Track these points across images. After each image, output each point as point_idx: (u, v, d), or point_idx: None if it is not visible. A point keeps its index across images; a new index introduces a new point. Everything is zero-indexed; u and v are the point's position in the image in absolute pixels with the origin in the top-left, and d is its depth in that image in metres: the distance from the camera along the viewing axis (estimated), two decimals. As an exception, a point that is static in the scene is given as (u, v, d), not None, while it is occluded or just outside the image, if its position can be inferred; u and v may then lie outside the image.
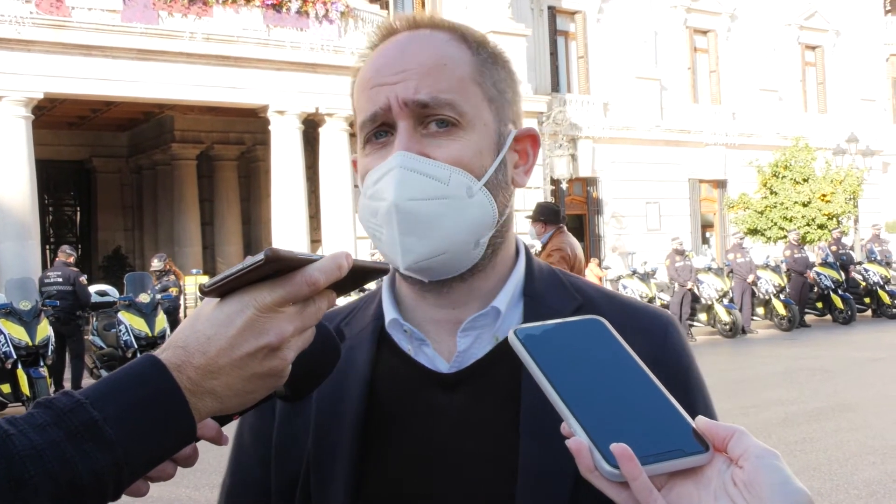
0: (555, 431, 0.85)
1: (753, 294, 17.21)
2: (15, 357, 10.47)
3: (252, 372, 0.78)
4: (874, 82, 30.85)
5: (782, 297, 17.25)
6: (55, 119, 23.03)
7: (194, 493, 6.32)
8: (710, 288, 16.46)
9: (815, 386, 10.54)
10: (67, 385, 11.70)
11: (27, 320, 10.79)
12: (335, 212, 18.16)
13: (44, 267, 15.09)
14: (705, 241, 26.79)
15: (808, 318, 17.96)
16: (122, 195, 28.02)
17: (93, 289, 13.98)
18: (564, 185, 22.63)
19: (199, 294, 0.81)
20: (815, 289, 18.05)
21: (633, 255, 22.98)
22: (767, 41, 27.86)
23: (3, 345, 10.49)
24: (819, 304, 18.23)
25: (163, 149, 25.23)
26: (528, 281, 1.09)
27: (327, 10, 17.83)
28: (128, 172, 27.77)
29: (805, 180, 23.48)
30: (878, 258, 19.00)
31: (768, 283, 17.17)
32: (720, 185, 27.03)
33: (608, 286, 17.43)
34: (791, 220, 23.06)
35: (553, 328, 0.79)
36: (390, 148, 1.01)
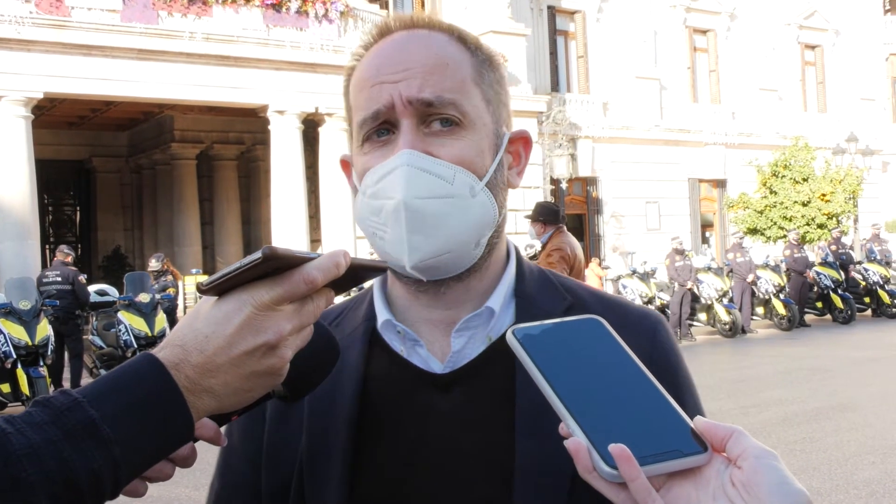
0: (550, 430, 0.84)
1: (753, 294, 17.21)
2: (14, 357, 10.47)
3: (250, 370, 0.78)
4: (874, 82, 30.85)
5: (782, 296, 17.25)
6: (55, 119, 23.04)
7: (193, 492, 6.32)
8: (709, 288, 16.45)
9: (815, 386, 10.54)
10: (67, 385, 11.71)
11: (27, 320, 10.79)
12: (335, 212, 18.16)
13: (43, 266, 15.09)
14: (705, 240, 26.79)
15: (808, 317, 17.97)
16: (122, 195, 28.03)
17: (92, 288, 13.99)
18: (564, 185, 22.64)
19: (197, 293, 0.80)
20: (815, 288, 18.06)
21: (633, 254, 22.99)
22: (767, 41, 27.87)
23: (2, 344, 10.50)
24: (819, 304, 18.23)
25: (162, 148, 25.24)
26: (520, 281, 1.10)
27: (327, 10, 17.83)
28: (127, 172, 27.78)
29: (805, 180, 23.48)
30: (878, 258, 19.00)
31: (768, 282, 17.17)
32: (720, 184, 27.03)
33: (608, 286, 17.45)
34: (791, 220, 23.06)
35: (551, 328, 0.78)
36: (391, 146, 1.01)
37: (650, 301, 15.96)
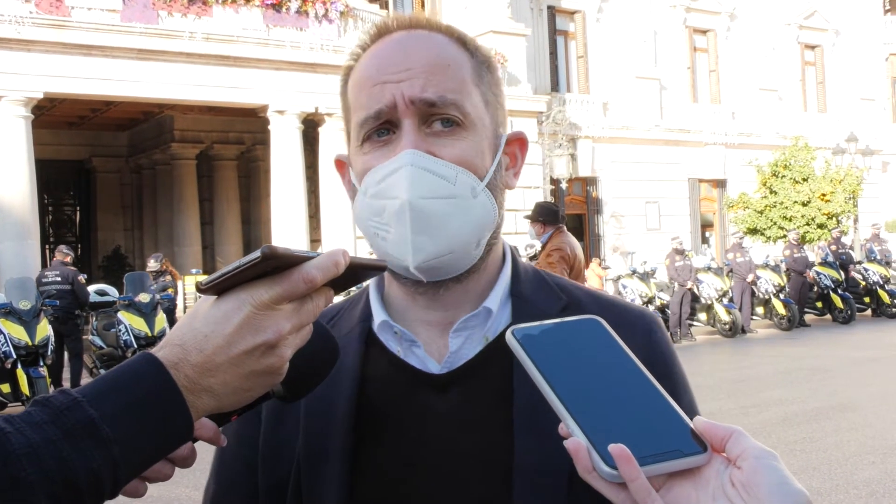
0: (549, 429, 0.84)
1: (753, 294, 17.22)
2: (14, 357, 10.47)
3: (249, 369, 0.78)
4: (874, 82, 30.86)
5: (782, 296, 17.26)
6: (55, 119, 23.04)
7: (193, 492, 6.31)
8: (709, 287, 16.46)
9: (815, 386, 10.54)
10: (67, 385, 11.71)
11: (27, 320, 10.79)
12: (335, 212, 18.16)
13: (43, 266, 15.09)
14: (705, 240, 26.78)
15: (808, 317, 17.97)
16: (122, 195, 28.04)
17: (92, 288, 13.99)
18: (564, 185, 22.64)
19: (196, 293, 0.80)
20: (815, 288, 18.06)
21: (633, 254, 22.98)
22: (767, 41, 27.87)
23: (2, 344, 10.50)
24: (819, 304, 18.23)
25: (162, 148, 25.24)
26: (515, 282, 1.10)
27: (327, 10, 17.83)
28: (127, 172, 27.78)
29: (805, 180, 23.48)
30: (878, 258, 19.00)
31: (768, 282, 17.17)
32: (720, 184, 27.03)
33: (609, 286, 17.45)
34: (791, 220, 23.06)
35: (551, 328, 0.78)
36: (392, 146, 1.01)
37: (650, 301, 15.96)
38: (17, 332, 10.61)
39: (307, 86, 17.50)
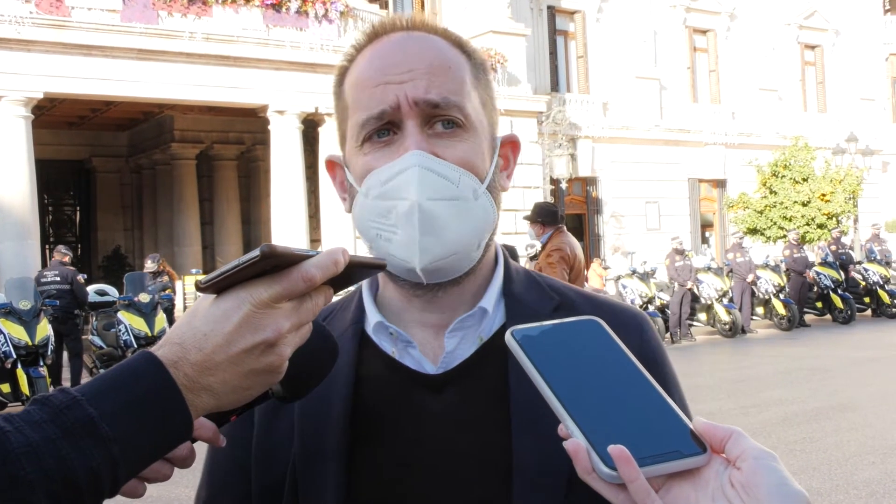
0: (547, 429, 0.84)
1: (753, 294, 17.22)
2: (14, 357, 10.47)
3: (249, 368, 0.78)
4: (874, 82, 30.86)
5: (782, 296, 17.26)
6: (55, 119, 23.04)
7: (192, 492, 6.29)
8: (709, 287, 16.46)
9: (815, 386, 10.54)
10: (67, 385, 11.70)
11: (27, 320, 10.79)
12: (335, 212, 18.16)
13: (43, 266, 15.09)
14: (705, 240, 26.79)
15: (808, 317, 17.97)
16: (122, 195, 28.04)
17: (92, 288, 14.00)
18: (564, 185, 22.63)
19: (196, 292, 0.80)
20: (815, 288, 18.06)
21: (633, 254, 22.98)
22: (767, 40, 27.87)
23: (2, 344, 10.50)
24: (819, 304, 18.23)
25: (162, 148, 25.25)
26: (507, 282, 1.10)
27: (327, 10, 17.83)
28: (127, 172, 27.78)
29: (805, 180, 23.48)
30: (878, 258, 19.00)
31: (768, 282, 17.17)
32: (720, 184, 27.03)
33: (609, 286, 17.46)
34: (791, 220, 23.06)
35: (550, 329, 0.78)
36: (395, 147, 1.01)
37: (650, 301, 15.95)
38: (17, 332, 10.61)
39: (307, 86, 17.49)
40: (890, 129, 31.21)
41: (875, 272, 18.60)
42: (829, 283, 17.85)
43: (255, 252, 0.74)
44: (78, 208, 28.15)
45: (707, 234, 27.28)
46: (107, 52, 15.72)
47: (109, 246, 27.54)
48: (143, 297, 12.21)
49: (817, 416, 8.57)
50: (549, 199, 21.11)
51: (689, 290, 16.28)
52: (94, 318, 13.10)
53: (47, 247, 23.44)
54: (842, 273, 18.14)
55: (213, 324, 0.77)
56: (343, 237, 17.84)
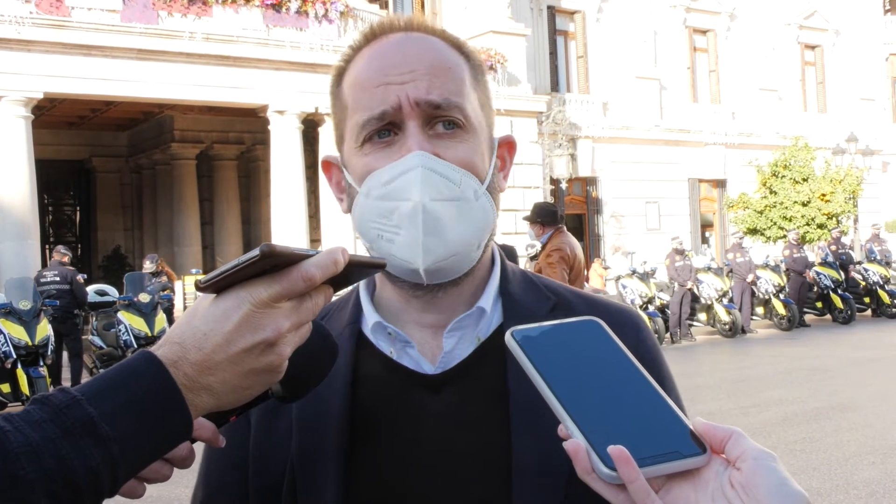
0: (546, 428, 0.84)
1: (753, 294, 17.22)
2: (14, 357, 10.47)
3: (249, 368, 0.78)
4: (874, 82, 30.86)
5: (782, 296, 17.26)
6: (55, 119, 23.04)
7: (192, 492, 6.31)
8: (709, 288, 16.45)
9: (815, 386, 10.54)
10: (67, 385, 11.70)
11: (27, 320, 10.79)
12: (335, 211, 18.15)
13: (43, 266, 15.10)
14: (705, 240, 26.79)
15: (808, 317, 17.97)
16: (122, 195, 28.04)
17: (92, 288, 14.00)
18: (564, 185, 22.63)
19: (196, 291, 0.80)
20: (815, 288, 18.06)
21: (633, 254, 22.99)
22: (767, 41, 27.87)
23: (2, 344, 10.50)
24: (819, 304, 18.23)
25: (162, 148, 25.25)
26: (504, 282, 1.11)
27: (327, 10, 17.83)
28: (127, 172, 27.78)
29: (805, 180, 23.48)
30: (878, 258, 19.00)
31: (768, 282, 17.17)
32: (720, 184, 27.03)
33: (610, 286, 17.46)
34: (791, 220, 23.06)
35: (550, 330, 0.78)
36: (396, 147, 1.01)
37: (650, 301, 15.95)
38: (17, 332, 10.61)
39: (307, 86, 17.49)
40: (890, 129, 31.21)
41: (875, 272, 18.60)
42: (829, 283, 17.85)
43: (255, 251, 0.74)
44: (78, 208, 28.15)
45: (707, 234, 27.28)
46: (107, 52, 15.72)
47: (109, 246, 27.54)
48: (144, 297, 12.21)
49: (817, 416, 8.57)
50: (549, 199, 21.11)
51: (689, 290, 16.28)
52: (94, 318, 13.11)
53: (47, 247, 23.44)
54: (842, 273, 18.14)
55: (212, 323, 0.77)
56: (343, 237, 17.83)
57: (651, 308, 15.78)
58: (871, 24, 30.88)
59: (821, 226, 22.89)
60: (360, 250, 1.05)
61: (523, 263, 14.50)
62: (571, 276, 7.58)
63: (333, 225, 18.23)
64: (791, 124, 27.52)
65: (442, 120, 1.01)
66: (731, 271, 17.15)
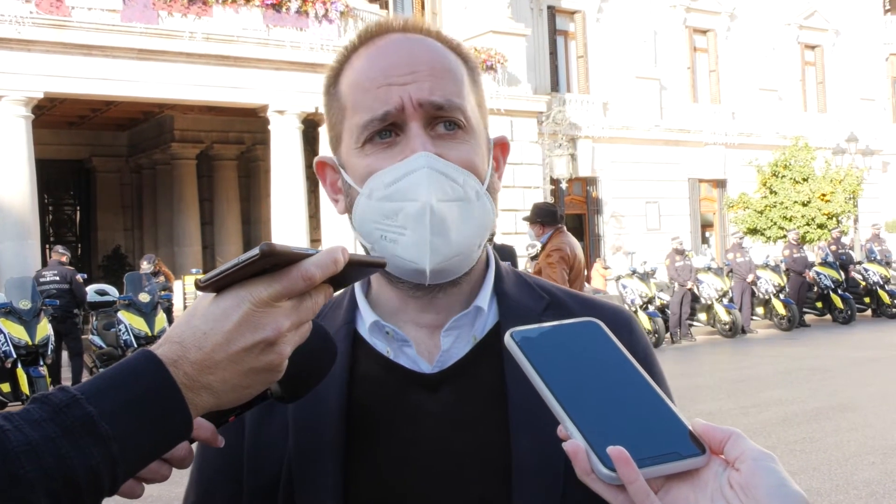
0: (544, 427, 0.84)
1: (753, 294, 17.22)
2: (15, 356, 10.47)
3: (248, 367, 0.78)
4: (874, 82, 30.86)
5: (782, 296, 17.26)
6: (55, 119, 23.04)
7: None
8: (709, 288, 16.46)
9: (815, 386, 10.54)
10: (67, 384, 11.71)
11: (27, 319, 10.79)
12: (335, 211, 18.05)
13: (42, 266, 15.10)
14: (705, 240, 26.79)
15: (808, 317, 17.97)
16: (122, 195, 28.02)
17: (92, 288, 13.99)
18: (564, 185, 22.64)
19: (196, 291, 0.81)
20: (815, 288, 18.06)
21: (633, 254, 22.99)
22: (767, 41, 27.87)
23: (2, 344, 10.50)
24: (819, 304, 18.23)
25: (162, 148, 25.24)
26: (499, 281, 1.11)
27: (327, 10, 17.83)
28: (127, 172, 27.77)
29: (805, 180, 23.48)
30: (878, 258, 19.00)
31: (768, 282, 17.17)
32: (720, 184, 27.03)
33: (610, 286, 17.46)
34: (791, 220, 23.06)
35: (549, 331, 0.78)
36: (398, 148, 1.01)
37: (650, 301, 15.95)
38: (18, 332, 10.62)
39: (307, 86, 17.49)
40: (890, 129, 31.21)
41: (875, 272, 18.60)
42: (829, 283, 17.86)
43: (255, 251, 0.74)
44: (78, 208, 28.13)
45: (707, 234, 27.28)
46: (107, 52, 15.72)
47: (109, 246, 27.53)
48: (144, 297, 12.21)
49: (817, 416, 8.57)
50: (549, 200, 21.11)
51: (690, 290, 16.28)
52: (94, 318, 13.11)
53: (47, 247, 23.44)
54: (842, 273, 18.14)
55: (212, 322, 0.77)
56: (343, 237, 17.82)
57: (651, 308, 15.79)
58: (871, 24, 30.88)
59: (821, 226, 22.89)
60: (360, 250, 1.05)
61: (523, 263, 14.50)
62: (571, 277, 7.58)
63: (333, 225, 18.23)
64: (791, 124, 27.52)
65: (443, 121, 1.01)
66: (731, 271, 17.15)
